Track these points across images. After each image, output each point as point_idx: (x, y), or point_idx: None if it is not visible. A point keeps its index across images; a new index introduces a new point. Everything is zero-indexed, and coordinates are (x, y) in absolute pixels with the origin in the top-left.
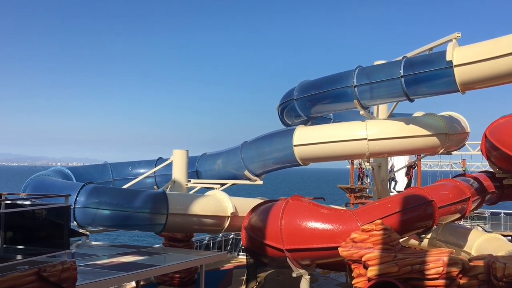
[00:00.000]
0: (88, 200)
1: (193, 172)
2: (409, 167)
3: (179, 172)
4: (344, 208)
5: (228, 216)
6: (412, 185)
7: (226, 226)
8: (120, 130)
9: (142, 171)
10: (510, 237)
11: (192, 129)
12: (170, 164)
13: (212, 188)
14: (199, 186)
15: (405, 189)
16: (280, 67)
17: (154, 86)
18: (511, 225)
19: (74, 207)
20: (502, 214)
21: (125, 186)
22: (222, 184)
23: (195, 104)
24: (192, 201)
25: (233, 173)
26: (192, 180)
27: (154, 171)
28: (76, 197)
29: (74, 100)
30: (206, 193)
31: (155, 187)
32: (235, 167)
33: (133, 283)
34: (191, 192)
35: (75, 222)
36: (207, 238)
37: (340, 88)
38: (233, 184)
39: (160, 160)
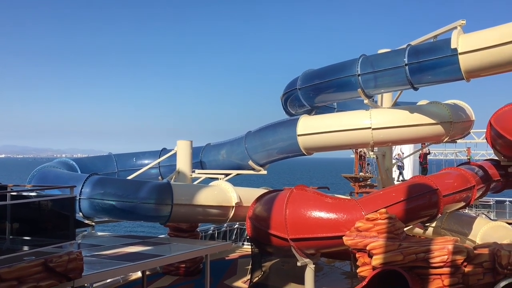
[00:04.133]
0: (93, 191)
1: (197, 162)
2: (425, 155)
3: (183, 163)
4: (349, 197)
5: (233, 206)
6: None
7: (230, 216)
8: (125, 121)
9: (146, 162)
10: None
11: (196, 120)
12: (174, 155)
13: (217, 179)
14: (204, 176)
15: None
16: (285, 58)
17: (159, 77)
18: None
19: (79, 198)
20: (507, 202)
21: (129, 177)
22: (227, 175)
23: (199, 94)
24: (196, 192)
25: (237, 163)
26: (197, 171)
27: (159, 162)
28: (81, 188)
29: (78, 92)
30: (210, 184)
31: (160, 177)
32: (239, 157)
33: (139, 273)
34: (195, 183)
35: (80, 213)
36: (212, 228)
37: (344, 77)
38: (238, 174)
39: (164, 150)
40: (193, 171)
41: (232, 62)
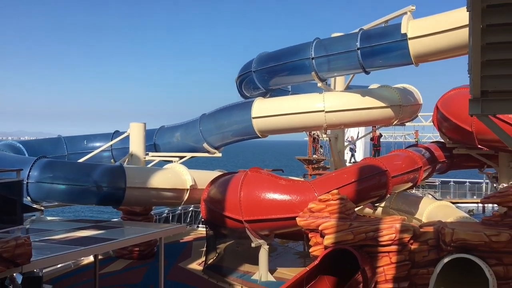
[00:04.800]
0: (41, 175)
1: (151, 145)
2: (379, 138)
3: (136, 145)
4: (302, 179)
5: (187, 189)
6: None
7: (185, 199)
8: (76, 103)
9: (98, 144)
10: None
11: (150, 102)
12: (127, 138)
13: (171, 161)
14: (157, 159)
15: None
16: (239, 40)
17: (113, 57)
18: (460, 193)
19: (27, 182)
20: (452, 183)
21: (80, 160)
22: (181, 157)
23: (153, 77)
24: (150, 175)
25: (191, 146)
26: (150, 153)
27: (111, 145)
28: (29, 171)
29: (26, 72)
30: (164, 166)
31: (112, 160)
32: (193, 140)
33: (91, 258)
34: (149, 166)
35: (28, 198)
36: (166, 211)
37: (298, 60)
38: (192, 157)
39: (117, 133)
40: (147, 154)
41: (186, 43)
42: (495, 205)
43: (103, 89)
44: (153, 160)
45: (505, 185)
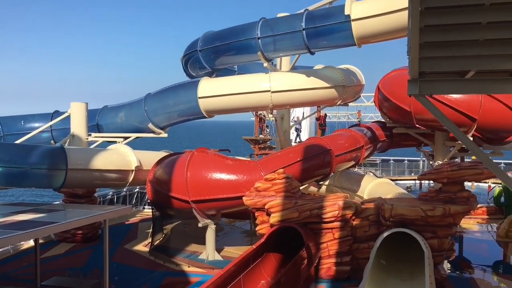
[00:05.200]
0: None
1: (94, 125)
2: (325, 118)
3: (78, 126)
4: (249, 159)
5: (132, 170)
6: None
7: (130, 180)
8: (11, 82)
9: (36, 125)
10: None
11: (91, 82)
12: (68, 118)
13: (115, 142)
14: (101, 140)
15: None
16: (185, 19)
17: (50, 36)
18: (399, 170)
19: None
20: (391, 161)
21: (17, 141)
22: (125, 138)
23: (95, 56)
24: (93, 156)
25: (136, 126)
26: (93, 134)
27: (50, 125)
28: None
29: None
30: (108, 147)
31: (52, 142)
32: (138, 120)
33: (31, 242)
34: (92, 147)
35: None
36: (110, 193)
37: (244, 40)
38: (137, 138)
39: (57, 113)
40: (89, 135)
41: (128, 21)
42: (431, 181)
43: (42, 68)
44: (96, 141)
45: (440, 162)
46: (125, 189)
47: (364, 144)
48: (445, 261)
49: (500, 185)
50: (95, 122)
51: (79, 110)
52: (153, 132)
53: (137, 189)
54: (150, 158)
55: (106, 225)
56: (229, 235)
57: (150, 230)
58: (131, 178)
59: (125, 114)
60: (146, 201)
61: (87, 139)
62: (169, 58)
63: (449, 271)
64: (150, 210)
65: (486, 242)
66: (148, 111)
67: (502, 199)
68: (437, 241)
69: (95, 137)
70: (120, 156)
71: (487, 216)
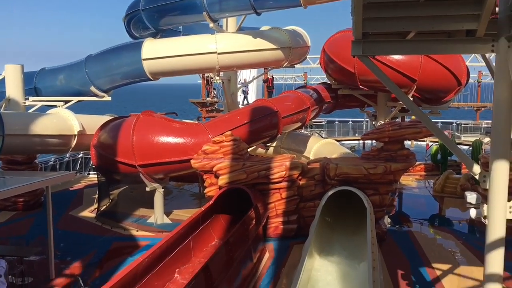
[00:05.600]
0: None
1: (31, 89)
2: (272, 80)
3: (13, 89)
4: (196, 122)
5: (75, 135)
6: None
7: (73, 145)
8: None
9: None
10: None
11: (25, 43)
12: (3, 81)
13: (55, 106)
14: (39, 104)
15: None
16: None
17: None
18: (344, 131)
19: None
20: (336, 122)
21: None
22: (66, 101)
23: (28, 14)
24: (32, 121)
25: (78, 89)
26: (31, 98)
27: None
28: None
29: None
30: (48, 111)
31: None
32: (79, 83)
33: None
34: (30, 111)
35: None
36: (53, 159)
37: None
38: (79, 101)
39: None
40: (27, 99)
41: None
42: (374, 141)
43: None
44: (34, 105)
45: (382, 122)
46: (68, 155)
47: (310, 106)
48: (386, 216)
49: (437, 143)
50: (32, 85)
51: (14, 73)
52: (96, 95)
53: (81, 155)
54: (93, 122)
55: (49, 192)
56: (177, 198)
57: (96, 196)
58: (73, 143)
59: (65, 77)
60: (91, 166)
61: (25, 103)
62: (112, 17)
63: (389, 225)
64: (96, 176)
65: (423, 197)
66: (90, 73)
67: (439, 156)
68: (379, 197)
69: (33, 101)
70: (61, 120)
71: (424, 173)
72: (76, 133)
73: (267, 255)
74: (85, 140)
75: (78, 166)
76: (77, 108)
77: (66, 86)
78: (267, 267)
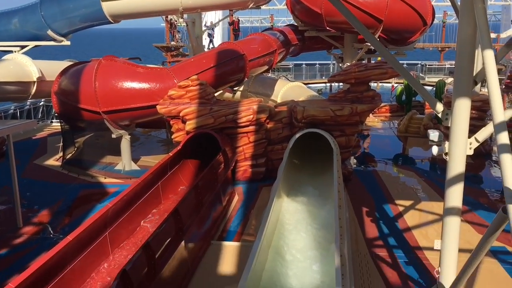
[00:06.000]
0: None
1: None
2: (238, 23)
3: None
4: (161, 67)
5: (34, 82)
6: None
7: (33, 93)
8: None
9: None
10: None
11: None
12: None
13: (11, 51)
14: None
15: None
16: None
17: None
18: (311, 74)
19: None
20: (304, 65)
21: None
22: (23, 47)
23: None
24: None
25: (34, 34)
26: None
27: None
28: None
29: None
30: (3, 57)
31: None
32: (35, 27)
33: None
34: None
35: None
36: (12, 107)
37: None
38: (36, 46)
39: None
40: None
41: None
42: (341, 84)
43: None
44: None
45: (348, 64)
46: (28, 103)
47: (277, 48)
48: (352, 157)
49: (402, 85)
50: None
51: None
52: (54, 40)
53: (42, 102)
54: (53, 68)
55: (10, 141)
56: (145, 145)
57: (61, 144)
58: (33, 90)
59: (19, 21)
60: (53, 114)
61: None
62: None
63: (355, 165)
64: (59, 124)
65: (388, 138)
66: (46, 16)
67: (403, 97)
68: (345, 138)
69: None
70: (18, 66)
71: (389, 114)
72: (35, 79)
73: (236, 198)
74: (45, 87)
75: (40, 114)
76: (34, 54)
77: (21, 31)
78: (236, 210)
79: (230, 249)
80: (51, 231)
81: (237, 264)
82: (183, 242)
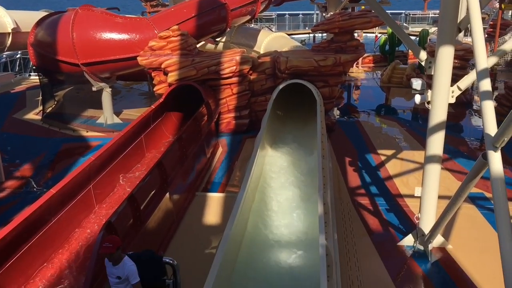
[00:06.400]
0: None
1: None
2: None
3: None
4: (140, 17)
5: (9, 33)
6: None
7: (8, 44)
8: None
9: None
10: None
11: None
12: None
13: None
14: None
15: None
16: None
17: None
18: (294, 25)
19: None
20: (287, 15)
21: None
22: None
23: None
24: None
25: None
26: None
27: None
28: None
29: None
30: None
31: None
32: None
33: None
34: None
35: None
36: None
37: None
38: None
39: None
40: None
41: None
42: (324, 34)
43: None
44: None
45: (332, 13)
46: (4, 56)
47: None
48: (335, 108)
49: (386, 35)
50: None
51: None
52: None
53: (19, 55)
54: (28, 18)
55: None
56: (127, 98)
57: (40, 98)
58: (8, 42)
59: None
60: (31, 67)
61: None
62: None
63: (338, 116)
64: (37, 77)
65: (371, 88)
66: None
67: (387, 47)
68: (328, 89)
69: None
70: None
71: (373, 64)
72: (10, 30)
73: (220, 150)
74: (21, 39)
75: (17, 68)
76: (7, 4)
77: None
78: (220, 162)
79: (214, 200)
80: (34, 185)
81: (222, 215)
82: (167, 194)
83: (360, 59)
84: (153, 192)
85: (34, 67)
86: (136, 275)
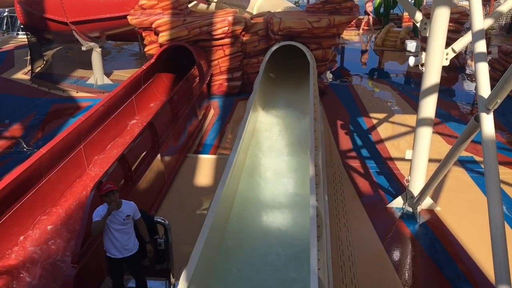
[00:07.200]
0: None
1: None
2: None
3: None
4: None
5: None
6: None
7: None
8: None
9: None
10: None
11: None
12: None
13: None
14: None
15: None
16: None
17: None
18: None
19: None
20: None
21: None
22: None
23: None
24: None
25: None
26: None
27: None
28: None
29: None
30: None
31: None
32: None
33: None
34: None
35: None
36: None
37: None
38: None
39: None
40: None
41: None
42: None
43: None
44: None
45: None
46: None
47: None
48: (328, 71)
49: None
50: None
51: None
52: None
53: (6, 13)
54: None
55: None
56: (117, 58)
57: (28, 58)
58: None
59: None
60: (19, 26)
61: None
62: None
63: (331, 79)
64: (25, 36)
65: (365, 52)
66: None
67: (382, 9)
68: (322, 51)
69: None
70: None
71: (367, 27)
72: None
73: (212, 112)
74: None
75: (4, 26)
76: None
77: None
78: (212, 123)
79: (206, 162)
80: (25, 145)
81: (213, 177)
82: (159, 155)
83: (362, 22)
84: (144, 153)
85: (22, 26)
86: (138, 211)
